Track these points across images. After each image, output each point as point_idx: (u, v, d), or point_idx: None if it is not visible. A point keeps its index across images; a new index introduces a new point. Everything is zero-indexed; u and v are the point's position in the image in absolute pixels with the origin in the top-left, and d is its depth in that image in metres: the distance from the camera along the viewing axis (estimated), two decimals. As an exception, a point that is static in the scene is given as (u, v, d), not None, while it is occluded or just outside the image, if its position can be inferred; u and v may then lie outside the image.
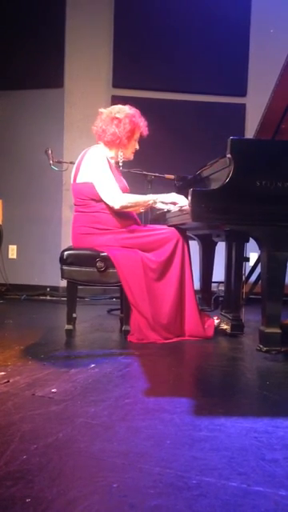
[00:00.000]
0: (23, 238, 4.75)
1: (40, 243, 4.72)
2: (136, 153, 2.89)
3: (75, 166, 2.82)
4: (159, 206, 2.77)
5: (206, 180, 2.65)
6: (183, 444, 1.23)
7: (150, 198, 2.73)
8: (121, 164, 2.84)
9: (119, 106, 2.84)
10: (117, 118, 2.76)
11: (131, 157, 2.88)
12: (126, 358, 2.17)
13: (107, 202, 2.65)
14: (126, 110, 2.80)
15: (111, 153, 2.82)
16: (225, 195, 2.14)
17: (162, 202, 2.75)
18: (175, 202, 2.70)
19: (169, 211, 2.83)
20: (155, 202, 2.74)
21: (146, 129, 2.85)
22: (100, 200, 2.68)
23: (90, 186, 2.68)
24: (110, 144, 2.79)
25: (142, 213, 2.98)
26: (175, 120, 4.60)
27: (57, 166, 3.65)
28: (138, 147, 2.88)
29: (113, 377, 1.85)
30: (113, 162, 2.80)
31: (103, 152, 2.76)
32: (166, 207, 2.79)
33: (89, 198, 2.70)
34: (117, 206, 2.64)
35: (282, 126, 2.70)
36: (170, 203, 2.74)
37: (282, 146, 2.28)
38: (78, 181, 2.74)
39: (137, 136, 2.83)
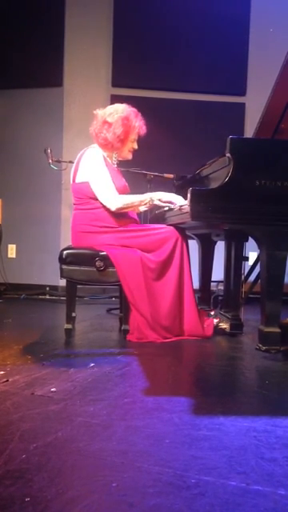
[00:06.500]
0: (22, 238, 4.74)
1: (39, 242, 4.72)
2: (135, 152, 2.86)
3: (74, 166, 2.81)
4: (157, 203, 2.77)
5: (205, 179, 2.65)
6: (182, 443, 1.23)
7: (145, 198, 2.73)
8: (115, 164, 2.82)
9: (114, 107, 2.78)
10: (107, 123, 2.70)
11: (129, 156, 2.85)
12: (125, 358, 2.17)
13: (104, 204, 2.66)
14: (119, 111, 2.73)
15: (106, 153, 2.80)
16: (224, 194, 2.14)
17: (160, 200, 2.75)
18: (172, 201, 2.71)
19: (169, 210, 2.83)
20: (152, 200, 2.75)
21: (144, 128, 2.79)
22: (99, 198, 2.68)
23: (88, 186, 2.68)
24: (103, 147, 2.77)
25: (141, 212, 2.98)
26: (174, 119, 4.60)
27: (56, 165, 3.64)
28: (136, 147, 2.83)
29: (112, 376, 1.85)
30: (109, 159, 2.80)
31: (99, 152, 2.75)
32: (163, 205, 2.79)
33: (88, 196, 2.70)
34: (113, 208, 2.65)
35: (281, 125, 2.70)
36: (167, 202, 2.75)
37: (281, 145, 2.28)
38: (77, 181, 2.74)
39: (132, 137, 2.78)
